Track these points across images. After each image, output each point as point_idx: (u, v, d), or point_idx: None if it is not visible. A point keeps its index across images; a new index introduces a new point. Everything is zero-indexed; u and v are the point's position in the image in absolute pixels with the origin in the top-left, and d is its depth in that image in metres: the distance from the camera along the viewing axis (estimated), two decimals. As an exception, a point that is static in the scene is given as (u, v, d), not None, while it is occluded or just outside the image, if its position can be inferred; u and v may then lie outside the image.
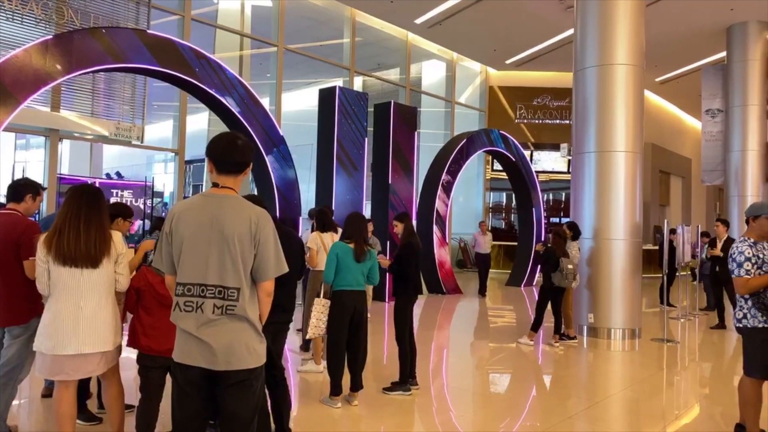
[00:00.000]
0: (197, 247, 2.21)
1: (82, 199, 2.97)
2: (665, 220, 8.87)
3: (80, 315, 2.89)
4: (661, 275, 9.16)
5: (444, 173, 11.53)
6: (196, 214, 2.24)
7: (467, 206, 17.73)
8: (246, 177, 2.42)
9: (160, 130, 15.39)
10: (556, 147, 17.82)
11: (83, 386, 3.75)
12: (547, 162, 17.91)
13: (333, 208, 8.96)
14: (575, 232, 7.28)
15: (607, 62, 7.64)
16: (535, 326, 6.89)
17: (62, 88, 9.25)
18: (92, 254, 2.91)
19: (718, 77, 13.58)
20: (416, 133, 10.73)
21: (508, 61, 16.51)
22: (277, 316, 3.30)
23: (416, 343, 4.98)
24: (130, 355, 3.37)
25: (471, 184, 17.75)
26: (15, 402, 3.72)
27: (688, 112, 21.93)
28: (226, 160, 2.28)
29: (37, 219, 6.18)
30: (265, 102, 13.16)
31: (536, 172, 14.06)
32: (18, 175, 9.56)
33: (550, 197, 18.34)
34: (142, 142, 10.20)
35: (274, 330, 3.33)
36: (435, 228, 11.27)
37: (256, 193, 8.96)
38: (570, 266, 6.72)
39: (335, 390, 4.28)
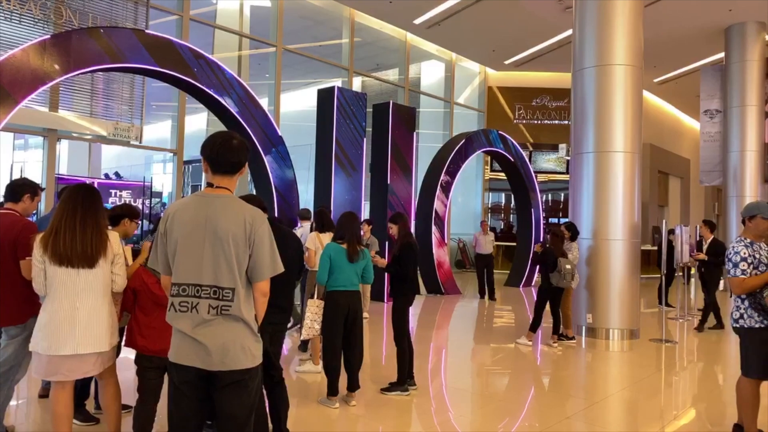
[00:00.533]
0: (192, 248, 2.21)
1: (78, 199, 2.96)
2: (663, 221, 8.87)
3: (76, 315, 2.88)
4: (659, 276, 9.15)
5: (443, 173, 11.52)
6: (190, 214, 2.23)
7: (466, 207, 17.74)
8: (242, 177, 2.41)
9: (158, 131, 15.38)
10: (554, 147, 17.83)
11: (83, 386, 3.75)
12: (546, 162, 17.92)
13: (331, 208, 8.97)
14: (573, 233, 7.28)
15: (606, 63, 7.65)
16: (534, 327, 6.89)
17: (60, 88, 9.24)
18: (88, 254, 2.91)
19: (717, 78, 13.59)
20: (415, 133, 10.73)
21: (506, 62, 16.51)
22: (275, 316, 3.31)
23: (415, 343, 4.98)
24: (128, 355, 3.37)
25: (470, 185, 17.76)
26: (12, 402, 3.71)
27: (687, 113, 21.95)
28: (221, 160, 2.27)
29: (35, 219, 6.17)
30: (264, 102, 13.17)
31: (535, 172, 14.08)
32: (16, 175, 9.54)
33: (549, 198, 18.35)
34: (140, 142, 10.18)
35: (272, 330, 3.33)
36: (434, 228, 11.27)
37: (255, 193, 8.96)
38: (568, 266, 6.72)
39: (332, 390, 4.27)
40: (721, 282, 8.30)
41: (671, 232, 9.24)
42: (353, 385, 4.37)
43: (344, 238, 4.28)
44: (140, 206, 10.50)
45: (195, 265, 2.20)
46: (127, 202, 10.33)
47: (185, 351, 2.20)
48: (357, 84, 15.19)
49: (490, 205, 18.42)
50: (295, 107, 15.54)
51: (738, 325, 3.64)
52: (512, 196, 14.33)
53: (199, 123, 13.12)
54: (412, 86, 15.99)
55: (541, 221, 13.61)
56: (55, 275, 2.89)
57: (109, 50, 6.63)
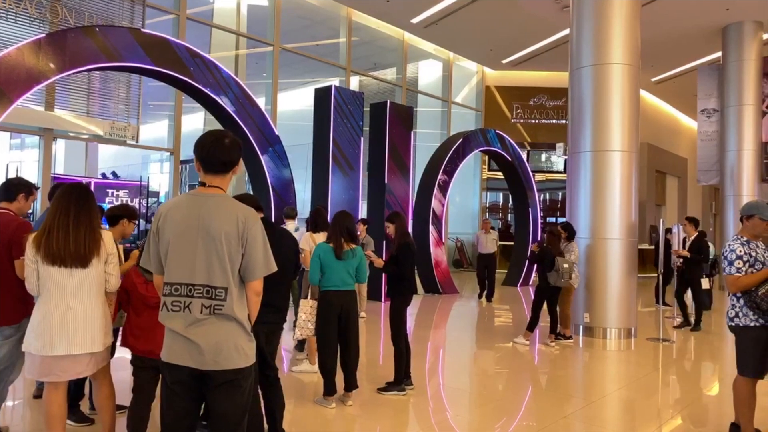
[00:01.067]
0: (184, 247, 2.20)
1: (71, 198, 2.94)
2: (661, 220, 8.88)
3: (69, 315, 2.86)
4: (656, 275, 9.16)
5: (440, 173, 11.51)
6: (182, 213, 2.22)
7: (464, 206, 17.74)
8: (236, 175, 2.39)
9: (155, 130, 15.35)
10: (552, 147, 17.83)
11: (77, 387, 3.73)
12: (544, 162, 17.93)
13: (329, 207, 8.96)
14: (570, 233, 7.23)
15: (603, 62, 7.64)
16: (531, 326, 6.89)
17: (57, 87, 9.21)
18: (81, 254, 2.89)
19: (714, 77, 13.60)
20: (412, 132, 10.72)
21: (504, 61, 16.50)
22: (269, 316, 3.29)
23: (412, 343, 4.97)
24: (125, 355, 3.35)
25: (468, 184, 17.76)
26: (7, 403, 3.70)
27: (684, 112, 21.96)
28: (213, 159, 2.26)
29: (31, 219, 6.15)
30: (262, 102, 13.16)
31: (533, 171, 14.07)
32: (12, 175, 9.50)
33: (548, 197, 18.35)
34: (137, 141, 10.14)
35: (267, 330, 3.32)
36: (431, 228, 11.26)
37: (252, 192, 8.94)
38: (566, 265, 6.71)
39: (328, 390, 4.26)
40: (703, 281, 8.25)
41: (668, 231, 9.24)
42: (350, 385, 4.35)
43: (330, 237, 4.26)
44: (137, 206, 10.47)
45: (187, 264, 2.19)
46: (124, 202, 10.30)
47: (178, 350, 2.19)
48: (355, 83, 15.17)
49: (488, 205, 18.42)
50: (293, 106, 15.52)
51: (733, 324, 3.64)
52: (510, 195, 14.33)
53: (196, 122, 13.09)
54: (409, 85, 15.98)
55: (539, 220, 13.61)
56: (48, 275, 2.87)
57: (105, 49, 6.60)
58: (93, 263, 2.93)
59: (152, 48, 6.97)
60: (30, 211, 4.00)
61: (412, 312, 9.41)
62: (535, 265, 7.70)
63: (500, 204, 18.79)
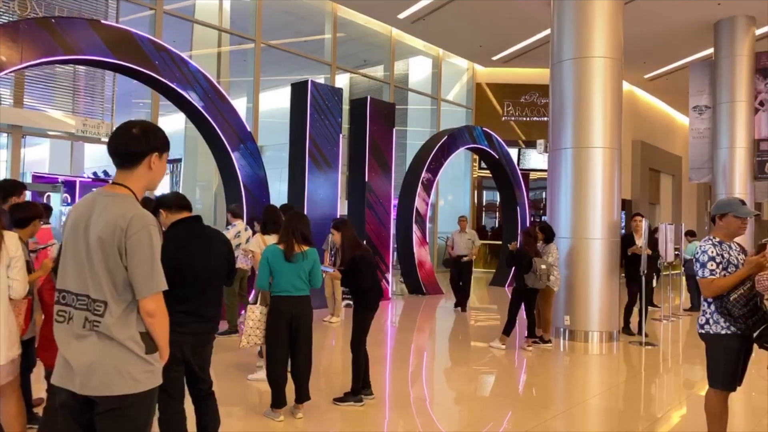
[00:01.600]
0: (71, 251, 2.01)
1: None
2: (644, 220, 8.58)
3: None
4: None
5: (424, 171, 11.23)
6: (76, 214, 2.02)
7: (455, 205, 17.45)
8: (153, 173, 2.09)
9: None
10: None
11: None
12: (535, 160, 17.65)
13: (305, 206, 8.67)
14: (548, 235, 6.91)
15: (584, 55, 7.38)
16: (508, 330, 6.62)
17: (26, 83, 8.95)
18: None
19: (706, 73, 13.31)
20: (404, 130, 10.42)
21: (494, 58, 16.22)
22: (196, 326, 3.03)
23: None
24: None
25: (458, 183, 17.48)
26: None
27: (678, 110, 21.68)
28: (118, 151, 2.02)
29: None
30: (244, 100, 12.88)
31: (525, 170, 13.79)
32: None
33: (544, 195, 18.07)
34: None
35: (195, 342, 3.04)
36: (415, 227, 10.99)
37: (223, 192, 8.65)
38: (543, 266, 6.44)
39: (276, 402, 3.99)
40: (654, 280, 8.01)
41: (655, 230, 8.97)
42: (301, 397, 4.08)
43: (281, 239, 3.98)
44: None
45: (72, 270, 1.99)
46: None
47: (58, 369, 1.99)
48: (344, 81, 14.89)
49: (484, 203, 18.13)
50: (277, 104, 15.24)
51: (703, 331, 3.36)
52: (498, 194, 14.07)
53: (177, 123, 12.82)
54: (400, 83, 15.69)
55: (527, 219, 13.35)
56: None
57: (62, 42, 6.32)
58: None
59: (113, 41, 6.68)
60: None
61: (391, 314, 9.13)
62: (512, 267, 7.39)
63: (497, 203, 18.52)
